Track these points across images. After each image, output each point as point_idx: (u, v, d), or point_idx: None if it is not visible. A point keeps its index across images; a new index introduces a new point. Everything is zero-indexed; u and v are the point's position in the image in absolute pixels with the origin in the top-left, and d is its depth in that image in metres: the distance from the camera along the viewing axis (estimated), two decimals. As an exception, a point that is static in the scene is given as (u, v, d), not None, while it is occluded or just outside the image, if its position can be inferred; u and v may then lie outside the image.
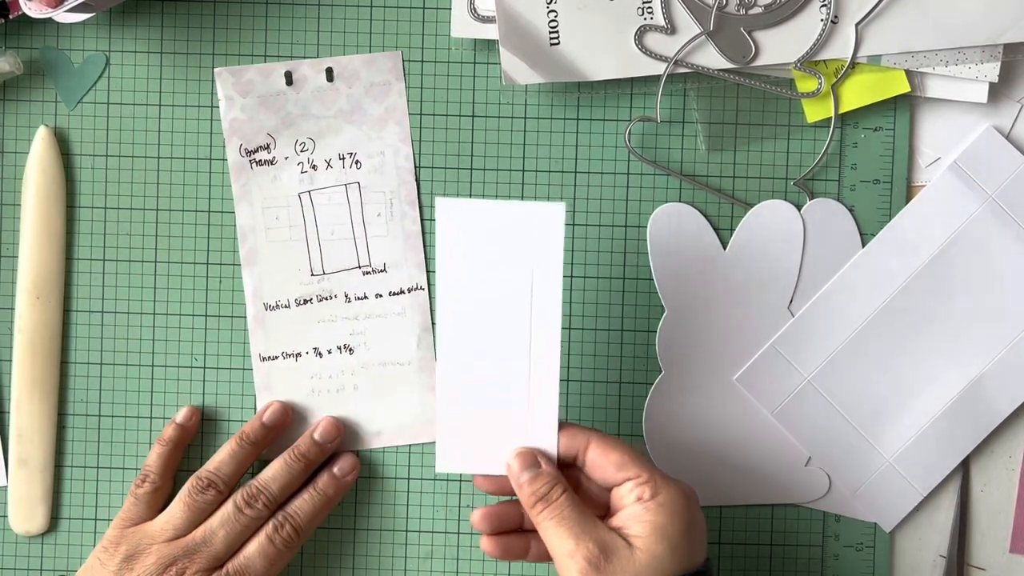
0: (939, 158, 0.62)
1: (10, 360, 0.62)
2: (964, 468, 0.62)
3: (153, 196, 0.62)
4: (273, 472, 0.59)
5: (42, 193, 0.61)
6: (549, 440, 0.55)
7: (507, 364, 0.55)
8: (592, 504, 0.55)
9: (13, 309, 0.62)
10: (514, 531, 0.57)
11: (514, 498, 0.57)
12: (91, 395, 0.62)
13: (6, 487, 0.62)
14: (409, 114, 0.62)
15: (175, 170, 0.62)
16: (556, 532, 0.52)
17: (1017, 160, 0.61)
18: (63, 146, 0.62)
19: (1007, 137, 0.61)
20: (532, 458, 0.54)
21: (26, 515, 0.62)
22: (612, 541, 0.52)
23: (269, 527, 0.58)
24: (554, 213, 0.54)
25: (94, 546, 0.62)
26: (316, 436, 0.61)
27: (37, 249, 0.61)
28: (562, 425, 0.55)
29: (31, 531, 0.62)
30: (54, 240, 0.61)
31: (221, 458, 0.59)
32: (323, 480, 0.60)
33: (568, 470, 0.56)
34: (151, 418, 0.62)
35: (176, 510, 0.58)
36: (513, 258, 0.54)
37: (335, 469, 0.61)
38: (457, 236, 0.54)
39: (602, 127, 0.62)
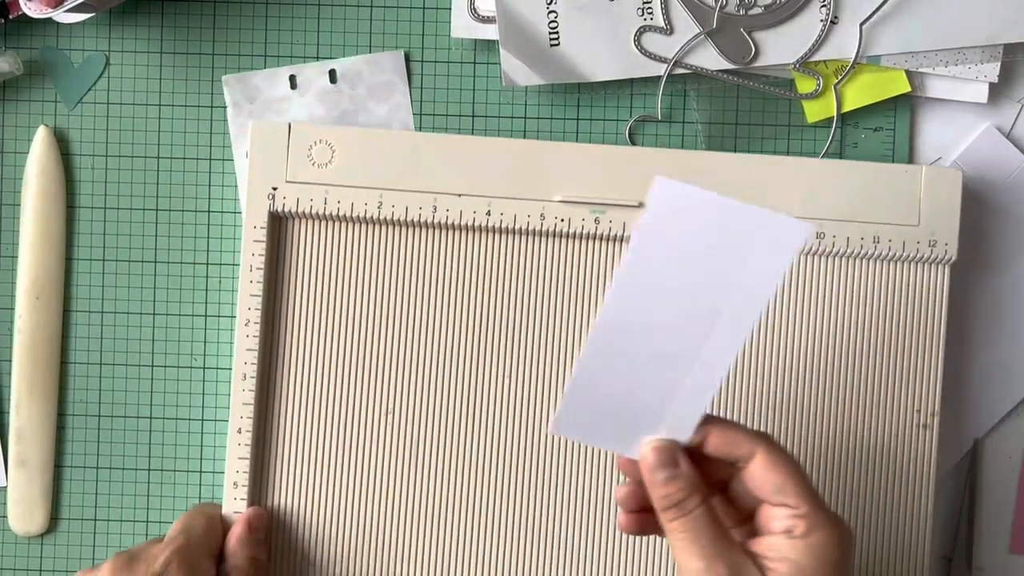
0: (940, 158, 0.62)
1: (10, 360, 0.62)
2: (972, 470, 0.62)
3: (153, 196, 0.62)
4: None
5: (42, 193, 0.61)
6: (684, 434, 0.49)
7: (671, 347, 0.49)
8: (737, 509, 0.50)
9: (13, 309, 0.62)
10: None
11: None
12: (91, 395, 0.62)
13: (5, 487, 0.62)
14: (411, 114, 0.62)
15: (175, 170, 0.62)
16: (687, 548, 0.47)
17: (1017, 159, 0.61)
18: (63, 146, 0.62)
19: (1007, 137, 0.61)
20: (671, 456, 0.48)
21: (25, 515, 0.62)
22: (744, 568, 0.47)
23: None
24: (795, 232, 0.47)
25: (94, 546, 0.62)
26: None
27: (37, 249, 0.61)
28: (729, 424, 0.50)
29: (30, 531, 0.62)
30: (54, 240, 0.61)
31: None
32: (231, 548, 0.57)
33: (723, 468, 0.50)
34: (151, 418, 0.62)
35: None
36: (725, 259, 0.48)
37: (238, 530, 0.57)
38: (667, 219, 0.48)
39: (602, 127, 0.62)
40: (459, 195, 0.58)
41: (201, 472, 0.62)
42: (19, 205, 0.62)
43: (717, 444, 0.49)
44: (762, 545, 0.48)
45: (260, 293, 0.58)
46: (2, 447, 0.62)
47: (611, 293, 0.49)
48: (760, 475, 0.48)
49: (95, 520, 0.62)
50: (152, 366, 0.62)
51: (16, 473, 0.62)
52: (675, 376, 0.49)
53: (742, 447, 0.48)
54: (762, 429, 0.58)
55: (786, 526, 0.47)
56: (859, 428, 0.59)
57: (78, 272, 0.62)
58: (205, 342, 0.62)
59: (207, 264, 0.62)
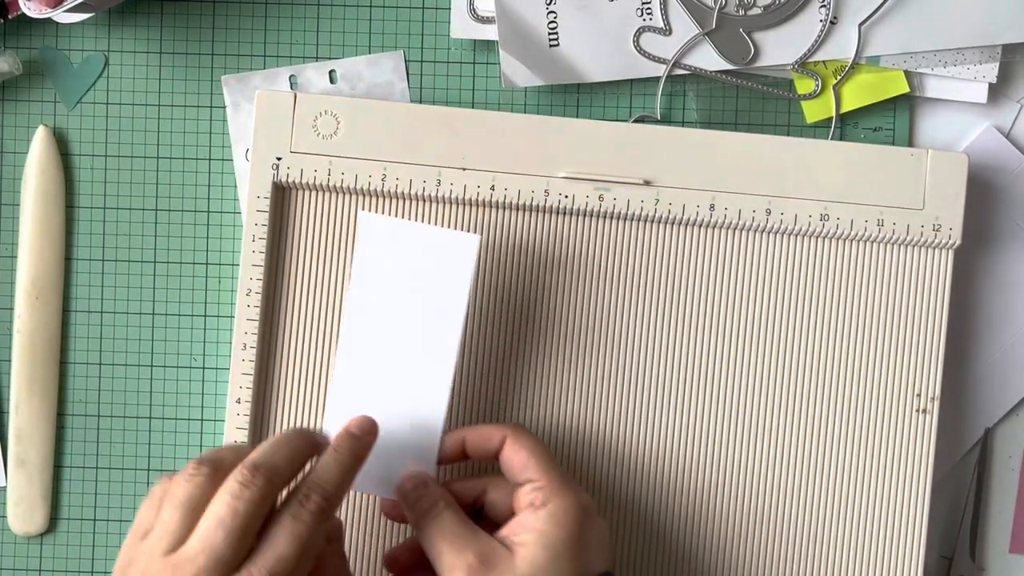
0: (938, 158, 0.62)
1: (9, 360, 0.62)
2: (981, 458, 0.62)
3: (153, 196, 0.62)
4: (273, 447, 0.49)
5: (41, 193, 0.61)
6: (431, 460, 0.54)
7: (402, 382, 0.54)
8: (499, 515, 0.53)
9: (12, 309, 0.62)
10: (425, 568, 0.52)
11: None
12: (90, 395, 0.62)
13: (5, 487, 0.62)
14: (409, 114, 0.62)
15: (175, 170, 0.62)
16: (437, 547, 0.50)
17: (1017, 159, 0.61)
18: (63, 146, 0.62)
19: (1007, 137, 0.61)
20: (422, 477, 0.53)
21: (25, 515, 0.62)
22: (492, 550, 0.50)
23: (292, 504, 0.47)
24: (468, 244, 0.54)
25: (93, 546, 0.62)
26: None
27: (37, 249, 0.61)
28: (479, 425, 0.55)
29: (30, 531, 0.62)
30: (54, 240, 0.61)
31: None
32: (341, 439, 0.51)
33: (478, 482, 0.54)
34: (150, 418, 0.62)
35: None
36: (425, 280, 0.54)
37: (352, 428, 0.52)
38: (376, 252, 0.55)
39: (602, 127, 0.62)
40: (463, 169, 0.58)
41: (201, 472, 0.62)
42: (19, 205, 0.62)
43: (473, 445, 0.54)
44: (512, 524, 0.51)
45: (262, 263, 0.58)
46: (1, 447, 0.62)
47: (343, 336, 0.55)
48: (509, 459, 0.53)
49: (95, 520, 0.62)
50: (152, 366, 0.62)
51: (15, 473, 0.62)
52: (410, 411, 0.54)
53: (494, 439, 0.53)
54: (761, 408, 0.59)
55: (530, 500, 0.51)
56: (858, 410, 0.59)
57: (78, 272, 0.62)
58: (205, 342, 0.62)
59: (207, 264, 0.62)
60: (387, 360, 0.54)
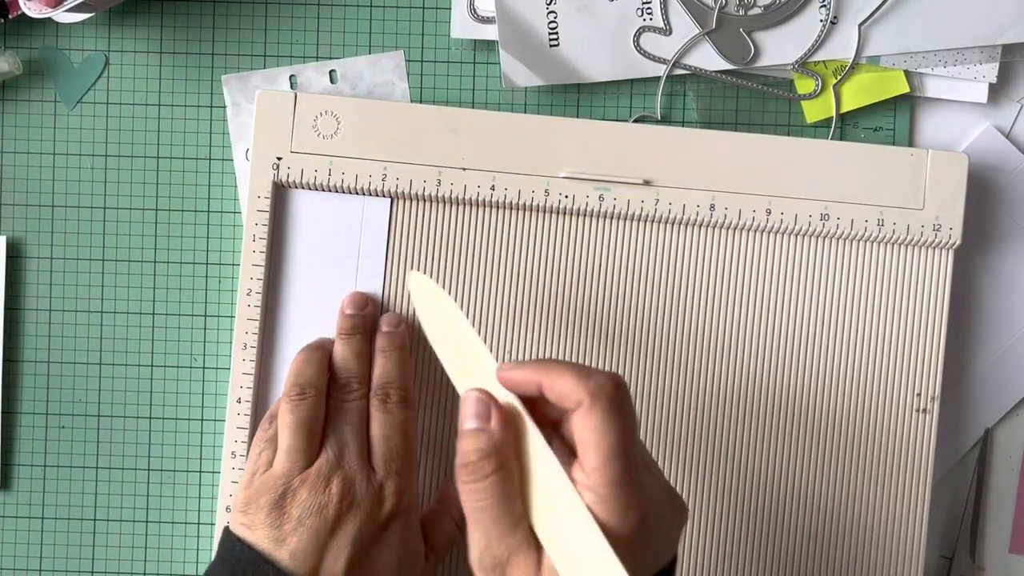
0: (938, 158, 0.62)
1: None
2: (981, 458, 0.62)
3: (153, 196, 0.62)
4: (341, 356, 0.57)
5: None
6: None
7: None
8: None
9: None
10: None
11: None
12: (90, 395, 0.62)
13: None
14: (409, 114, 0.62)
15: (175, 170, 0.62)
16: (473, 515, 0.46)
17: (1017, 159, 0.61)
18: (63, 146, 0.62)
19: (1007, 137, 0.61)
20: (485, 408, 0.47)
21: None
22: (522, 551, 0.45)
23: (376, 404, 0.55)
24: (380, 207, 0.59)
25: (93, 546, 0.62)
26: (348, 310, 0.58)
27: None
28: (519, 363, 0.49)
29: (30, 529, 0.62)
30: None
31: (298, 368, 0.56)
32: (382, 340, 0.57)
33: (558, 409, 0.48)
34: (150, 418, 0.62)
35: (286, 439, 0.53)
36: (350, 245, 0.59)
37: (384, 328, 0.58)
38: (308, 223, 0.59)
39: (602, 127, 0.62)
40: (463, 169, 0.58)
41: (201, 472, 0.62)
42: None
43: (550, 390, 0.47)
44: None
45: (262, 263, 0.59)
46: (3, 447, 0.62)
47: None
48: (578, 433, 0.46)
49: (95, 520, 0.62)
50: (152, 366, 0.62)
51: (15, 473, 0.62)
52: None
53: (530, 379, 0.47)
54: (762, 409, 0.59)
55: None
56: (858, 410, 0.59)
57: (78, 272, 0.62)
58: (205, 342, 0.62)
59: (207, 264, 0.62)
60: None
